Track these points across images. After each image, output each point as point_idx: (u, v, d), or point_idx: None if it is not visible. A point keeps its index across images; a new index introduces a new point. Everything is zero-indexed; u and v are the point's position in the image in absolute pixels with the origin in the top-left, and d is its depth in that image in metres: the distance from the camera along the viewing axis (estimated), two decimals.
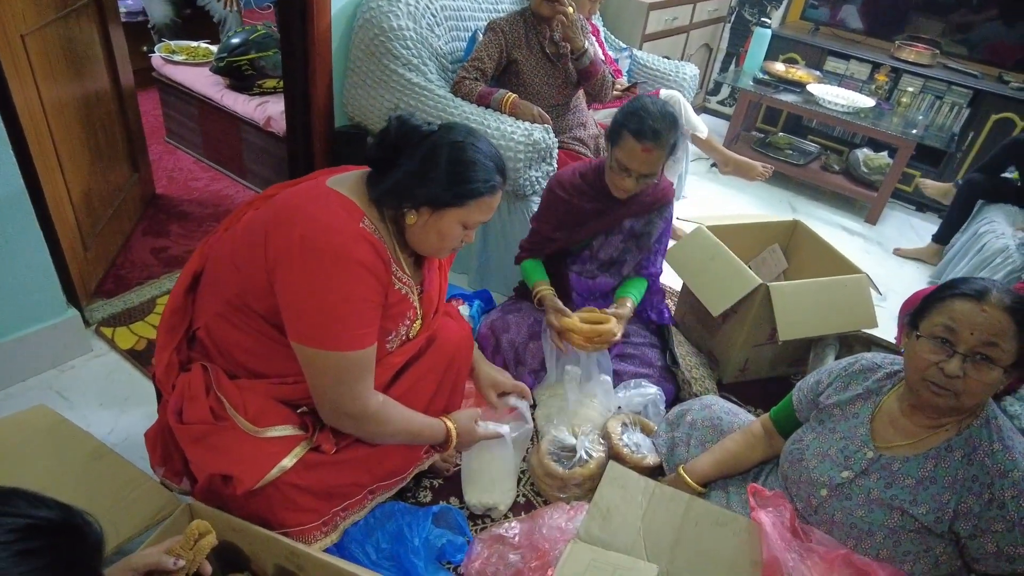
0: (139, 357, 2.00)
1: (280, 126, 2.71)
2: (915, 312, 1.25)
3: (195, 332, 1.30)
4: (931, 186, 3.70)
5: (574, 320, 1.80)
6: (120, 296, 2.21)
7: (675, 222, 2.32)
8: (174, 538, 1.10)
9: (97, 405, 1.83)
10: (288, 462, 1.20)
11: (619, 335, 1.82)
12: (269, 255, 1.16)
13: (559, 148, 2.32)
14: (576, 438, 1.71)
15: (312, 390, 1.22)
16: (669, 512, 1.39)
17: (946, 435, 1.23)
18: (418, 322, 1.39)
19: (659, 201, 1.93)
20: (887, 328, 2.23)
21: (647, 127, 1.67)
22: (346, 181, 1.25)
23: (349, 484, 1.31)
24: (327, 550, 1.31)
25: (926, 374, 1.19)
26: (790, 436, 1.47)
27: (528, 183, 2.16)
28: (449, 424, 1.44)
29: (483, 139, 1.29)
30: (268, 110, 2.78)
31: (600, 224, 1.92)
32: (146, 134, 2.71)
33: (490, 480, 1.65)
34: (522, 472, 1.77)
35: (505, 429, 1.58)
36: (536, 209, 2.04)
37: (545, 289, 1.93)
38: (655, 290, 2.09)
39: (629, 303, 1.95)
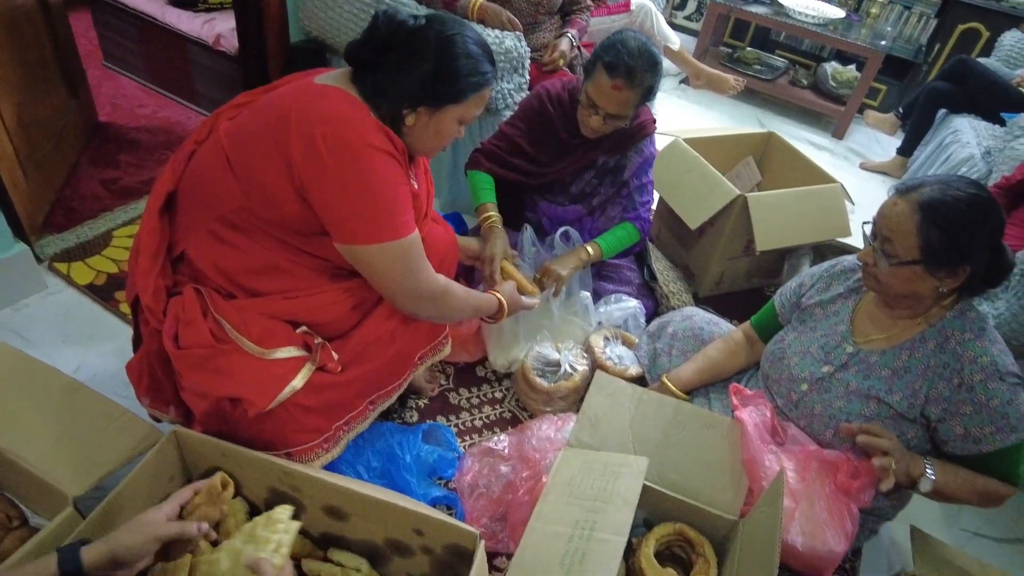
0: (100, 292, 1.91)
1: (231, 44, 2.53)
2: None
3: (181, 254, 1.23)
4: (874, 116, 3.79)
5: (513, 271, 1.66)
6: (72, 230, 2.09)
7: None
8: (184, 491, 1.04)
9: (60, 343, 1.75)
10: (298, 382, 1.17)
11: (537, 301, 1.67)
12: (294, 162, 1.10)
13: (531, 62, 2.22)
14: (560, 353, 1.72)
15: (382, 288, 1.23)
16: (656, 416, 1.42)
17: (920, 328, 1.28)
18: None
19: (637, 135, 1.79)
20: (859, 237, 2.25)
21: (622, 63, 1.54)
22: (335, 80, 1.18)
23: (352, 397, 1.29)
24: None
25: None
26: (772, 338, 1.50)
27: (500, 96, 2.08)
28: (499, 295, 1.53)
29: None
30: (216, 27, 2.58)
31: (571, 162, 1.80)
32: (82, 58, 2.50)
33: (512, 337, 1.78)
34: (507, 389, 1.79)
35: (535, 301, 1.67)
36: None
37: (493, 215, 1.75)
38: (643, 240, 1.93)
39: (589, 250, 1.78)
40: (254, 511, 1.22)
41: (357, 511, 1.15)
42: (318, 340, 1.22)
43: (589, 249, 1.80)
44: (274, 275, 1.21)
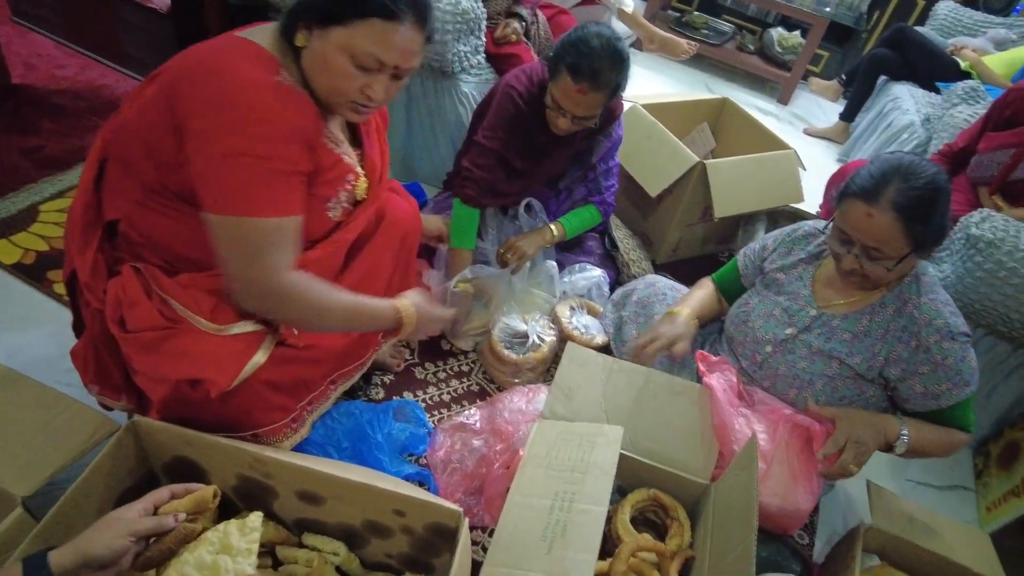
0: (29, 272, 1.77)
1: (162, 0, 2.35)
2: (840, 190, 1.29)
3: (117, 228, 1.14)
4: (817, 83, 3.92)
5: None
6: None
7: None
8: (161, 492, 0.96)
9: None
10: (260, 357, 1.11)
11: (451, 312, 1.49)
12: (177, 119, 1.00)
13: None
14: (527, 324, 1.70)
15: (223, 268, 1.06)
16: (628, 386, 1.42)
17: (880, 293, 1.33)
18: (362, 181, 1.24)
19: (607, 120, 1.74)
20: (812, 203, 2.31)
21: (584, 64, 1.45)
22: (262, 32, 1.08)
23: (316, 375, 1.25)
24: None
25: (837, 262, 1.30)
26: (735, 301, 1.53)
27: (456, 58, 2.00)
28: (400, 305, 1.24)
29: None
30: None
31: (552, 163, 1.76)
32: None
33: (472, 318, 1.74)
34: (473, 361, 1.77)
35: (449, 312, 1.43)
36: (479, 109, 1.81)
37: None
38: (606, 222, 1.97)
39: (553, 230, 1.79)
40: (223, 502, 1.17)
41: (333, 494, 1.11)
42: None
43: (553, 229, 1.80)
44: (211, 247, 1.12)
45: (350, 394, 1.59)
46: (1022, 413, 1.82)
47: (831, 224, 1.31)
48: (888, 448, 1.30)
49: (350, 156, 1.21)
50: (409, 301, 1.26)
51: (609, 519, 1.30)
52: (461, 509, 1.05)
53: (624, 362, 1.46)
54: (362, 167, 1.26)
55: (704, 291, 1.62)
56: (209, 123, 0.98)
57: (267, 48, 1.05)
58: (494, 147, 1.67)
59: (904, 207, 1.17)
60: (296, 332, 1.19)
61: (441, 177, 2.09)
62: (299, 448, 1.31)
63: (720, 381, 1.40)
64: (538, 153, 1.73)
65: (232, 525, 0.97)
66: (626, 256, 2.05)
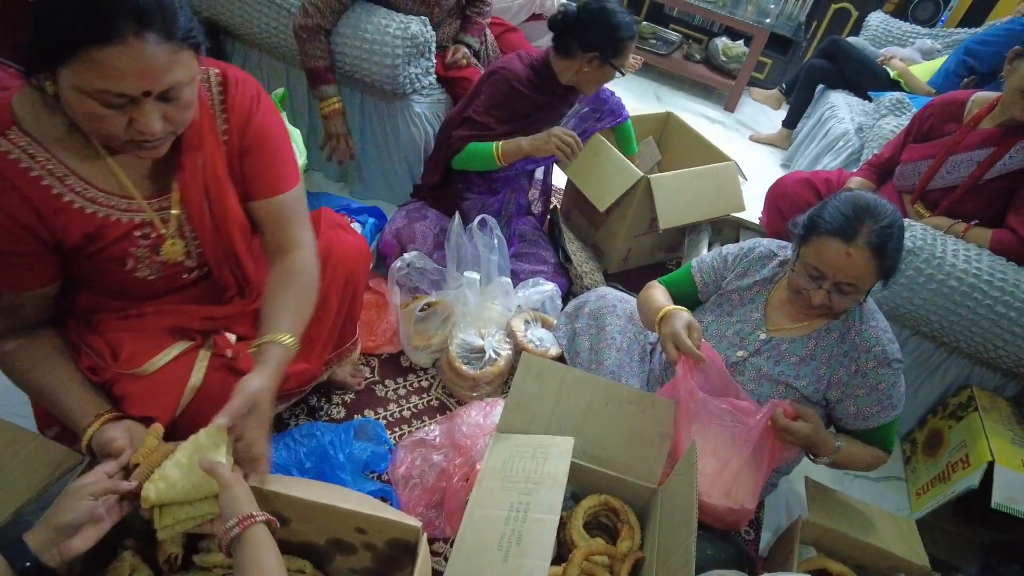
0: None
1: None
2: (802, 230, 1.34)
3: None
4: (759, 92, 4.10)
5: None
6: None
7: None
8: (108, 464, 0.99)
9: None
10: (196, 379, 1.10)
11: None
12: None
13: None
14: (483, 339, 1.76)
15: None
16: (580, 394, 1.49)
17: (825, 320, 1.42)
18: (172, 241, 1.09)
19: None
20: (753, 212, 2.43)
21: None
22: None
23: None
24: None
25: (799, 295, 1.36)
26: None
27: (407, 80, 2.05)
28: (85, 438, 1.04)
29: None
30: None
31: (547, 116, 1.94)
32: None
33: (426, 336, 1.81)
34: (433, 377, 1.82)
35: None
36: (454, 106, 2.02)
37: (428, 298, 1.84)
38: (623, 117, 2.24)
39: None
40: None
41: (296, 515, 1.15)
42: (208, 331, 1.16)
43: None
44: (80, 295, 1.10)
45: (312, 413, 1.63)
46: (943, 403, 1.96)
47: (795, 261, 1.34)
48: (818, 455, 1.39)
49: (138, 211, 1.05)
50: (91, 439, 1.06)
51: (564, 525, 1.37)
52: (420, 525, 1.11)
53: (577, 371, 1.53)
54: (181, 207, 1.08)
55: (662, 292, 1.61)
56: None
57: (14, 103, 0.94)
58: (486, 123, 1.88)
59: (878, 245, 1.24)
60: (233, 340, 1.18)
61: (397, 195, 2.14)
62: None
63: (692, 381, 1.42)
64: (532, 112, 1.93)
65: (200, 433, 1.00)
66: (579, 268, 2.13)
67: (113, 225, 1.02)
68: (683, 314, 1.41)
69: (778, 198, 2.24)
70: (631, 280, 2.33)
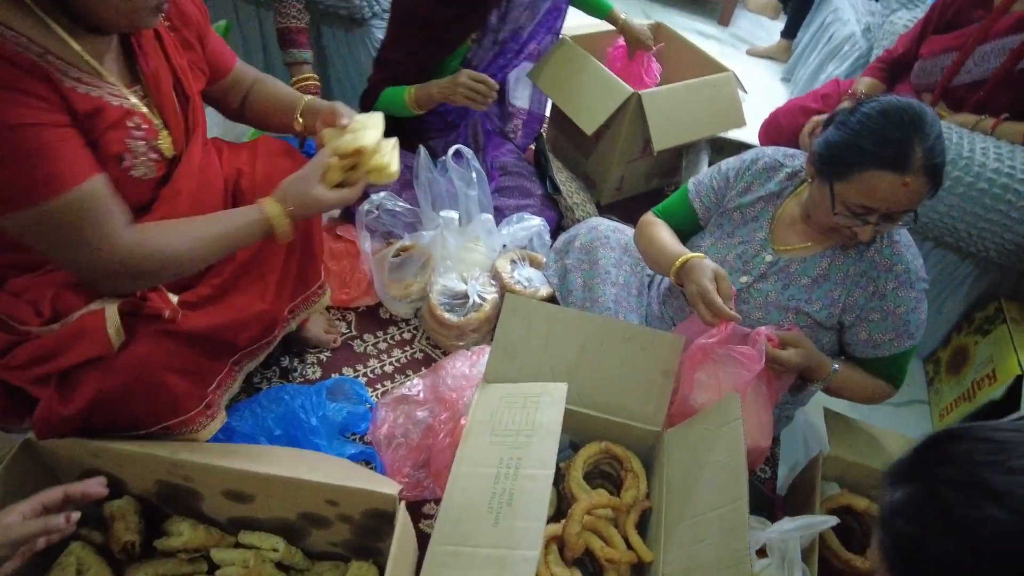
0: None
1: None
2: (832, 163, 1.15)
3: None
4: (754, 2, 3.86)
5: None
6: None
7: None
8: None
9: None
10: (112, 329, 0.97)
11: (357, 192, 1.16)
12: None
13: None
14: (466, 283, 1.62)
15: (59, 263, 0.97)
16: (574, 335, 1.35)
17: (841, 236, 1.23)
18: (162, 132, 1.04)
19: None
20: (753, 130, 2.23)
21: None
22: None
23: (212, 359, 1.14)
24: (215, 437, 1.17)
25: (839, 230, 1.19)
26: (688, 241, 1.44)
27: (365, 4, 1.84)
28: (264, 204, 1.06)
29: None
30: None
31: (463, 32, 1.64)
32: None
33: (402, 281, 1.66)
34: (415, 328, 1.68)
35: (351, 192, 1.13)
36: (382, 38, 1.73)
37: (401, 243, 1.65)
38: None
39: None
40: (146, 508, 1.09)
41: (261, 491, 1.04)
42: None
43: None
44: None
45: (284, 375, 1.51)
46: (969, 319, 1.82)
47: (832, 201, 1.15)
48: (813, 380, 1.26)
49: (123, 97, 0.99)
50: (276, 196, 1.07)
51: (562, 477, 1.26)
52: (396, 492, 0.99)
53: (568, 310, 1.39)
54: (150, 102, 1.03)
55: (667, 231, 1.43)
56: None
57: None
58: (395, 59, 1.66)
59: (937, 166, 1.08)
60: (174, 301, 1.06)
61: None
62: (227, 439, 1.23)
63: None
64: (440, 31, 1.62)
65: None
66: (569, 200, 1.96)
67: (107, 108, 0.95)
68: (706, 263, 1.21)
69: (772, 134, 2.03)
70: (627, 211, 2.16)
